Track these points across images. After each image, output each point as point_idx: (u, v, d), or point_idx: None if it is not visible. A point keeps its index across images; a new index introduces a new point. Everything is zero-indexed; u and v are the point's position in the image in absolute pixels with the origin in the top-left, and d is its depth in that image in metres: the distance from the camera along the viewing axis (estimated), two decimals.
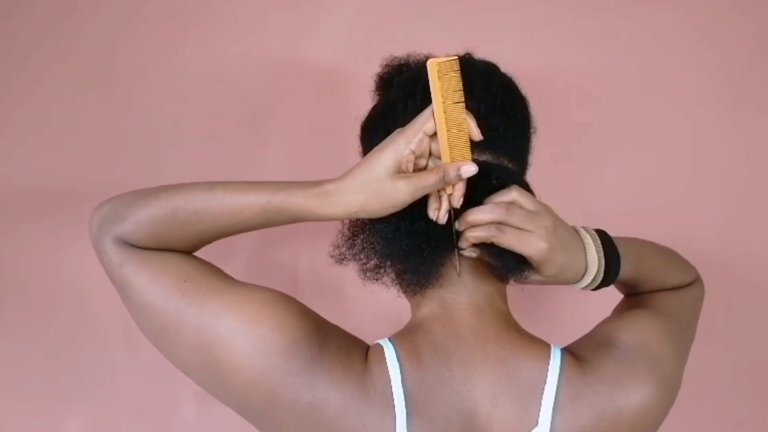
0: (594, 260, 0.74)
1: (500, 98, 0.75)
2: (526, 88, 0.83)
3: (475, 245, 0.72)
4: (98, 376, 1.31)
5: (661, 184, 1.40)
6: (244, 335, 0.64)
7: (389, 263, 0.73)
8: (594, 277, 0.76)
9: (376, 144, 0.70)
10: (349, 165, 0.72)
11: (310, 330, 0.66)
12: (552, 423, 0.67)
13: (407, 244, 0.70)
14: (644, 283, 0.87)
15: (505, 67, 0.84)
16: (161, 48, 1.33)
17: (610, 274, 0.77)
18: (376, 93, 0.89)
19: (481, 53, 0.85)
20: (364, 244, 0.72)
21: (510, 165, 0.76)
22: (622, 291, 0.96)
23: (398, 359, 0.68)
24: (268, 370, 0.64)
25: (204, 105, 1.33)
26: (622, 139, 1.40)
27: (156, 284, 0.68)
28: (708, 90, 1.40)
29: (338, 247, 0.74)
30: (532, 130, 0.80)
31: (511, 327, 0.74)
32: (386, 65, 0.87)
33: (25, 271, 1.30)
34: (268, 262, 1.36)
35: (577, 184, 1.38)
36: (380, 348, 0.70)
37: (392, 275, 0.75)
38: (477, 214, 0.69)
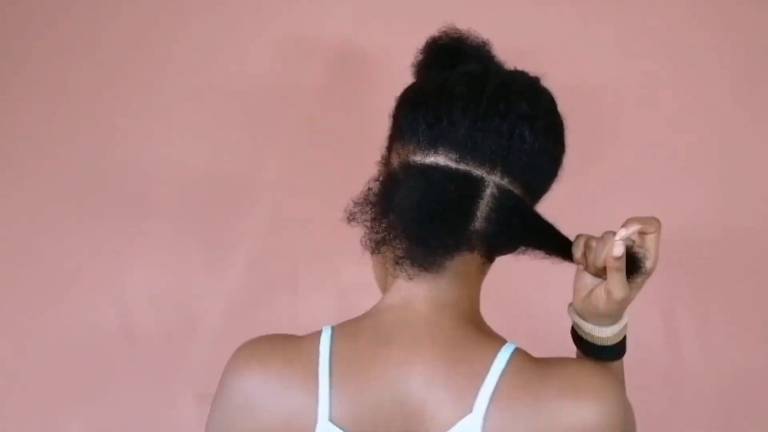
0: (625, 321, 0.81)
1: (553, 140, 0.76)
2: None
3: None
4: (98, 377, 1.31)
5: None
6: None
7: (398, 239, 0.74)
8: (617, 332, 0.81)
9: (416, 122, 0.75)
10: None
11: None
12: (487, 412, 0.66)
13: (426, 228, 0.72)
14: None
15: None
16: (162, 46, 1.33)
17: (619, 349, 0.82)
18: (424, 63, 0.85)
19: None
20: (382, 215, 0.74)
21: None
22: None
23: (332, 338, 0.72)
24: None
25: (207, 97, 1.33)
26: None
27: None
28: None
29: (358, 204, 0.76)
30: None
31: (469, 322, 0.74)
32: (446, 34, 0.84)
33: (24, 271, 1.30)
34: (268, 262, 1.36)
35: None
36: (319, 331, 0.74)
37: (390, 251, 0.75)
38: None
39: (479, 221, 0.72)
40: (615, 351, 0.82)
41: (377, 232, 0.74)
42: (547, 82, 0.80)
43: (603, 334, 0.79)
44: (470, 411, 0.66)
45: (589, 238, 0.76)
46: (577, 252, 0.76)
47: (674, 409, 1.40)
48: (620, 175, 1.41)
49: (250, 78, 1.33)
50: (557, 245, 0.77)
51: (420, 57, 0.84)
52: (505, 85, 0.75)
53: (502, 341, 0.73)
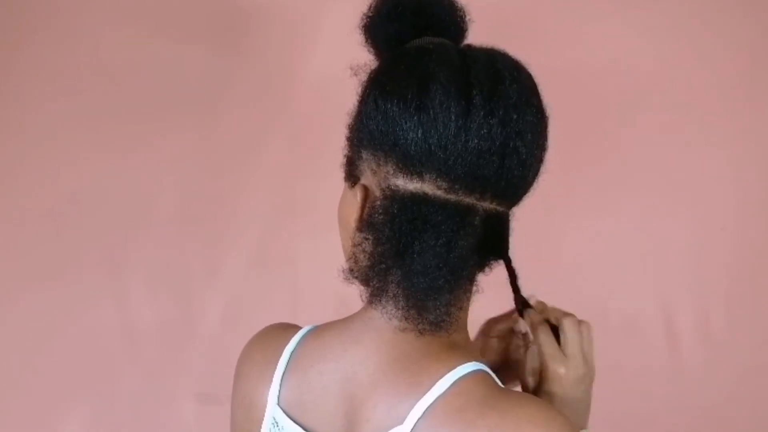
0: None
1: (541, 147, 0.69)
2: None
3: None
4: (99, 376, 1.31)
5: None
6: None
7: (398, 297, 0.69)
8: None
9: (395, 134, 0.65)
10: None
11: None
12: (415, 426, 0.63)
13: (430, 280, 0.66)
14: None
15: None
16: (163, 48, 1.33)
17: None
18: (375, 30, 0.72)
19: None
20: (380, 263, 0.68)
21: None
22: None
23: (304, 334, 0.74)
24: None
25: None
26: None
27: None
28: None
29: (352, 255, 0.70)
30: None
31: (439, 338, 0.68)
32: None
33: (25, 270, 1.30)
34: (268, 262, 1.36)
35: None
36: (300, 328, 0.77)
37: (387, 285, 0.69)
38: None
39: (471, 253, 0.66)
40: None
41: (378, 283, 0.68)
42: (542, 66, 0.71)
43: None
44: (401, 423, 0.64)
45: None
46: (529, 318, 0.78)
47: (674, 411, 1.41)
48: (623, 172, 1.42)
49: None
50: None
51: (376, 20, 0.71)
52: (494, 84, 0.65)
53: (466, 361, 0.67)
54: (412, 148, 0.64)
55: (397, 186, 0.65)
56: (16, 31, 1.30)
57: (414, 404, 0.63)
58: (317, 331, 0.74)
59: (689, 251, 1.41)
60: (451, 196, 0.64)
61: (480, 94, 0.64)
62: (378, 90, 0.67)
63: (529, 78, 0.69)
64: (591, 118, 1.36)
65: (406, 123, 0.65)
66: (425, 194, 0.64)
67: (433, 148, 0.64)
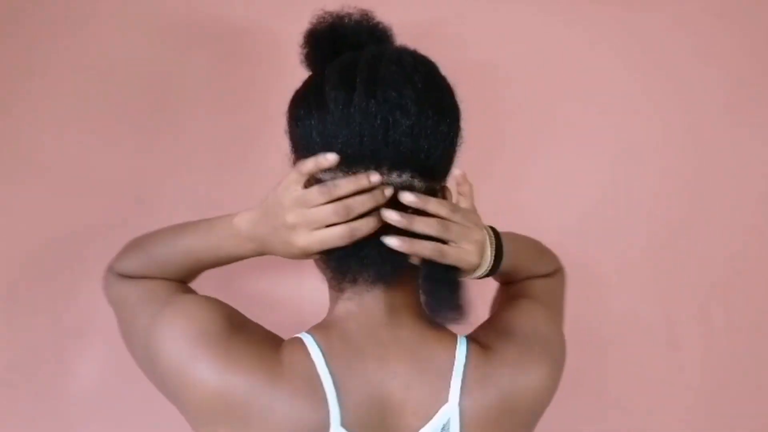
0: (488, 257, 0.82)
1: (432, 118, 0.75)
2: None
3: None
4: (99, 376, 1.32)
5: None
6: (165, 327, 0.75)
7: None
8: (483, 271, 0.83)
9: (304, 136, 0.76)
10: None
11: (220, 324, 0.74)
12: (460, 399, 0.74)
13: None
14: (517, 274, 0.98)
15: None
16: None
17: (495, 268, 0.84)
18: (306, 60, 0.84)
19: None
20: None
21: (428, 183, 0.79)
22: (497, 280, 1.06)
23: (318, 346, 0.74)
24: (178, 355, 0.72)
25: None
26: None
27: (133, 299, 0.85)
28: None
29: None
30: (459, 147, 0.81)
31: (421, 320, 0.79)
32: (318, 22, 0.83)
33: (26, 269, 1.31)
34: (271, 262, 1.36)
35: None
36: (298, 339, 0.76)
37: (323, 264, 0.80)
38: (419, 226, 0.76)
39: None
40: (489, 275, 0.85)
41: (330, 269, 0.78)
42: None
43: (470, 277, 0.83)
44: (446, 401, 0.74)
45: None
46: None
47: (673, 409, 1.41)
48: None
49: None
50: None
51: (304, 51, 0.83)
52: (372, 71, 0.73)
53: (453, 335, 0.79)
54: (318, 141, 0.73)
55: (317, 178, 0.74)
56: (15, 37, 1.31)
57: (449, 384, 0.75)
58: (325, 343, 0.75)
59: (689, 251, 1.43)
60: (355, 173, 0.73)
61: (361, 80, 0.72)
62: (291, 104, 0.79)
63: (413, 58, 0.76)
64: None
65: (309, 121, 0.74)
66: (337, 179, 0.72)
67: (329, 138, 0.72)
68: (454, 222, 0.76)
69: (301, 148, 0.77)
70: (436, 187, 0.79)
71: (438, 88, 0.77)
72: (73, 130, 1.32)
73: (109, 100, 1.32)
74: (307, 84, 0.80)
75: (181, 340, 0.72)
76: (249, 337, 0.75)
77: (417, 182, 0.76)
